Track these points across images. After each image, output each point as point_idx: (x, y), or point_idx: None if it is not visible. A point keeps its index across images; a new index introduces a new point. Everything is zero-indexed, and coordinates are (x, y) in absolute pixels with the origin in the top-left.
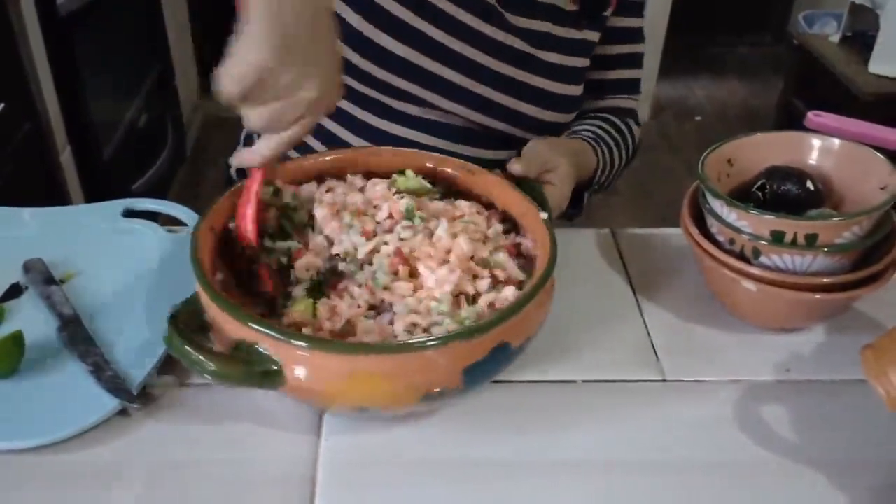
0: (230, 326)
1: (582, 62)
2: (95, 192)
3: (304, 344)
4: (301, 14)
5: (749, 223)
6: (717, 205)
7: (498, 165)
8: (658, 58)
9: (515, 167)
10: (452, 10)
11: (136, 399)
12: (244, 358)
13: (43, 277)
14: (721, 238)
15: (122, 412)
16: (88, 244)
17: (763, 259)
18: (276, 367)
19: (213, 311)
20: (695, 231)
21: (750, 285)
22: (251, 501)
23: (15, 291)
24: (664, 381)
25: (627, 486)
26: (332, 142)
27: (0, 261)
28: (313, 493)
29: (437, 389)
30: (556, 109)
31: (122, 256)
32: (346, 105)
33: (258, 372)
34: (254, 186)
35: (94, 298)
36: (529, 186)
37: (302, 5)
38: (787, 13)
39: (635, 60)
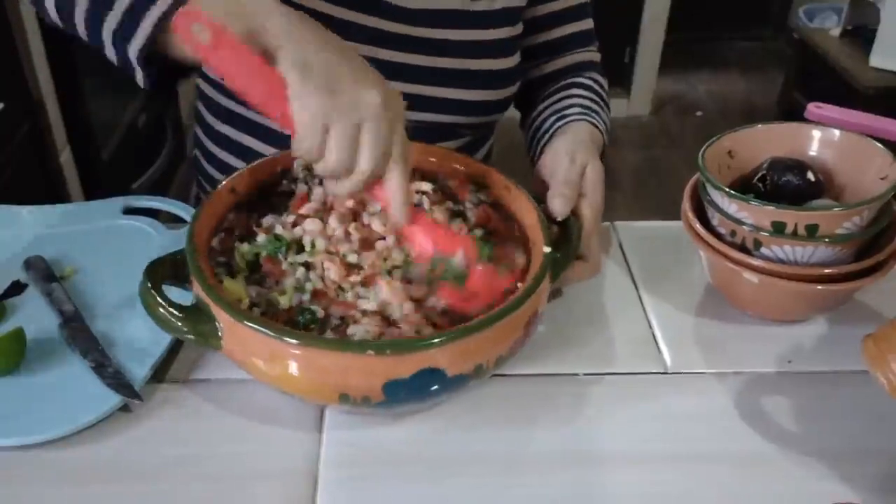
0: (194, 281)
1: (507, 32)
2: (95, 191)
3: (230, 314)
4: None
5: (750, 214)
6: (718, 196)
7: None
8: (658, 53)
9: (557, 207)
10: (341, 13)
11: (139, 395)
12: (195, 316)
13: (44, 274)
14: (722, 230)
15: (124, 408)
16: (89, 241)
17: (764, 250)
18: (216, 330)
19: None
20: (696, 223)
21: (751, 276)
22: (253, 497)
23: (16, 288)
24: (666, 373)
25: (630, 478)
26: (248, 155)
27: (1, 258)
28: (315, 489)
29: (357, 396)
30: (490, 87)
31: (123, 253)
32: (252, 115)
33: (202, 330)
34: None
35: (94, 295)
36: (570, 221)
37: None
38: (787, 7)
39: (583, 11)
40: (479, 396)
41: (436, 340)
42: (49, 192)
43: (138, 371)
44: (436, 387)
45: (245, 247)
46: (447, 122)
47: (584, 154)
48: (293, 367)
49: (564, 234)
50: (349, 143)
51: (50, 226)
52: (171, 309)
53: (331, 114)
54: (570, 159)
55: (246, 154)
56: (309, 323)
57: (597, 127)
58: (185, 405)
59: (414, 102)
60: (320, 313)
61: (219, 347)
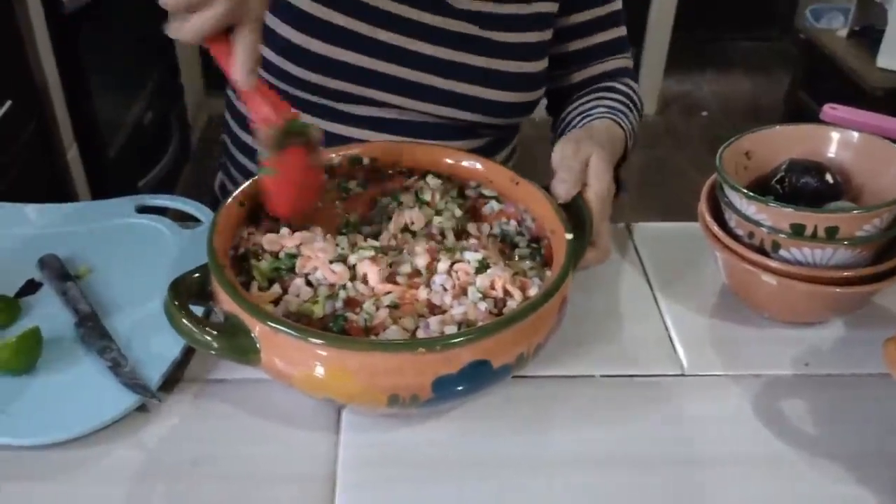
0: (222, 297)
1: (537, 36)
2: (102, 189)
3: (273, 325)
4: None
5: (768, 216)
6: (736, 198)
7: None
8: (664, 53)
9: (559, 191)
10: (384, 4)
11: (157, 394)
12: (230, 331)
13: (58, 273)
14: (739, 231)
15: (141, 408)
16: (102, 240)
17: (783, 252)
18: (254, 344)
19: (213, 281)
20: (713, 224)
21: (769, 279)
22: (271, 500)
23: (31, 287)
24: (683, 375)
25: (646, 481)
26: None
27: (15, 257)
28: (333, 491)
29: (406, 396)
30: (516, 89)
31: (137, 252)
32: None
33: (238, 345)
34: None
35: (109, 294)
36: (576, 205)
37: None
38: (793, 7)
39: (614, 20)
40: (496, 398)
41: (484, 332)
42: (56, 190)
43: (155, 371)
44: (483, 379)
45: (264, 264)
46: (469, 120)
47: (589, 144)
48: (342, 374)
49: (575, 222)
50: None
51: (62, 225)
52: (206, 328)
53: None
54: (575, 148)
55: None
56: (342, 331)
57: (619, 125)
58: (201, 405)
59: (438, 97)
60: (359, 320)
61: (258, 362)
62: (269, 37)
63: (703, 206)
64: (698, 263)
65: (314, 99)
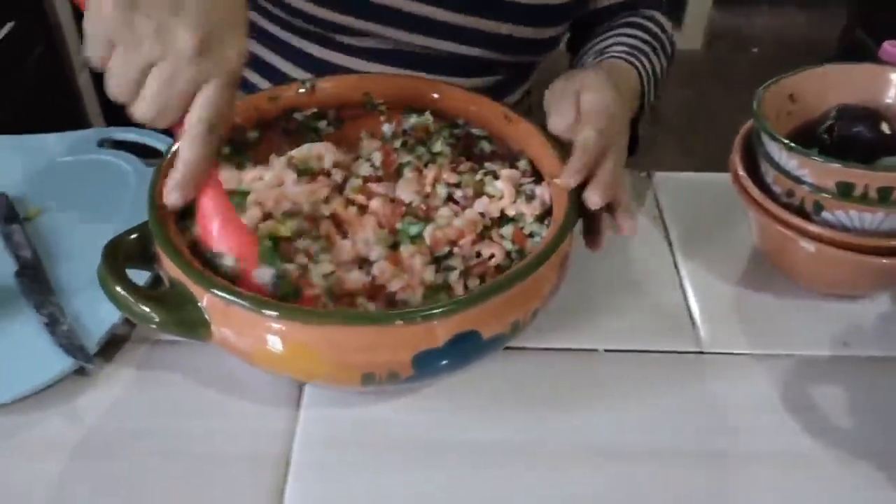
0: (164, 260)
1: None
2: (117, 118)
3: (222, 294)
4: None
5: (811, 172)
6: (775, 149)
7: (484, 93)
8: None
9: (559, 127)
10: None
11: (92, 359)
12: (175, 301)
13: (4, 214)
14: (777, 189)
15: (79, 372)
16: (59, 178)
17: (826, 215)
18: (202, 317)
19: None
20: (746, 179)
21: (808, 245)
22: (217, 480)
23: None
24: (701, 352)
25: (653, 475)
26: (273, 76)
27: None
28: (286, 474)
29: (382, 374)
30: (537, 24)
31: (95, 193)
32: (285, 36)
33: (184, 319)
34: (216, 202)
35: (60, 239)
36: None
37: None
38: None
39: None
40: (482, 373)
41: (471, 300)
42: (68, 117)
43: (97, 330)
44: (471, 352)
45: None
46: (481, 57)
47: (583, 77)
48: (306, 352)
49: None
50: (127, 76)
51: (16, 159)
52: (145, 298)
53: (120, 31)
54: (565, 83)
55: (272, 75)
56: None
57: (636, 68)
58: (149, 370)
59: (457, 34)
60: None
61: (208, 337)
62: None
63: (735, 157)
64: (728, 222)
65: (311, 28)
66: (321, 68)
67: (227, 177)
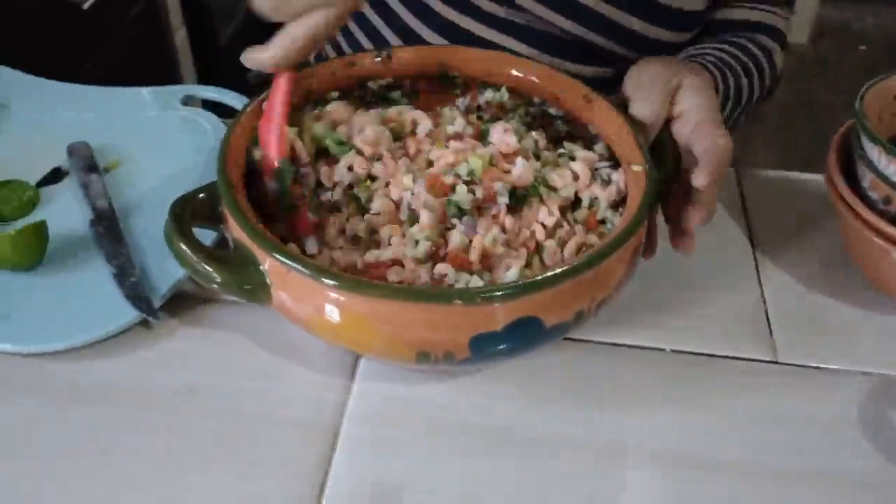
0: (230, 221)
1: None
2: (209, 77)
3: (287, 261)
4: None
5: None
6: (874, 152)
7: (597, 83)
8: None
9: (644, 112)
10: None
11: (156, 312)
12: (238, 263)
13: (85, 164)
14: (874, 195)
15: (143, 323)
16: (140, 131)
17: None
18: (264, 279)
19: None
20: (841, 182)
21: None
22: (265, 442)
23: (56, 176)
24: (775, 362)
25: (712, 489)
26: (410, 38)
27: (48, 141)
28: (334, 445)
29: (438, 353)
30: (672, 27)
31: (174, 149)
32: None
33: (244, 280)
34: (277, 100)
35: (134, 192)
36: (661, 140)
37: None
38: None
39: None
40: (541, 363)
41: (534, 285)
42: (162, 75)
43: (164, 284)
44: (531, 339)
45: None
46: (609, 48)
47: (680, 72)
48: (362, 323)
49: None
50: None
51: (102, 111)
52: (208, 257)
53: None
54: (657, 65)
55: (407, 36)
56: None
57: (715, 80)
58: (210, 329)
59: (597, 23)
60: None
61: (268, 301)
62: None
63: (831, 158)
64: (818, 226)
65: None
66: (461, 38)
67: (342, 111)
